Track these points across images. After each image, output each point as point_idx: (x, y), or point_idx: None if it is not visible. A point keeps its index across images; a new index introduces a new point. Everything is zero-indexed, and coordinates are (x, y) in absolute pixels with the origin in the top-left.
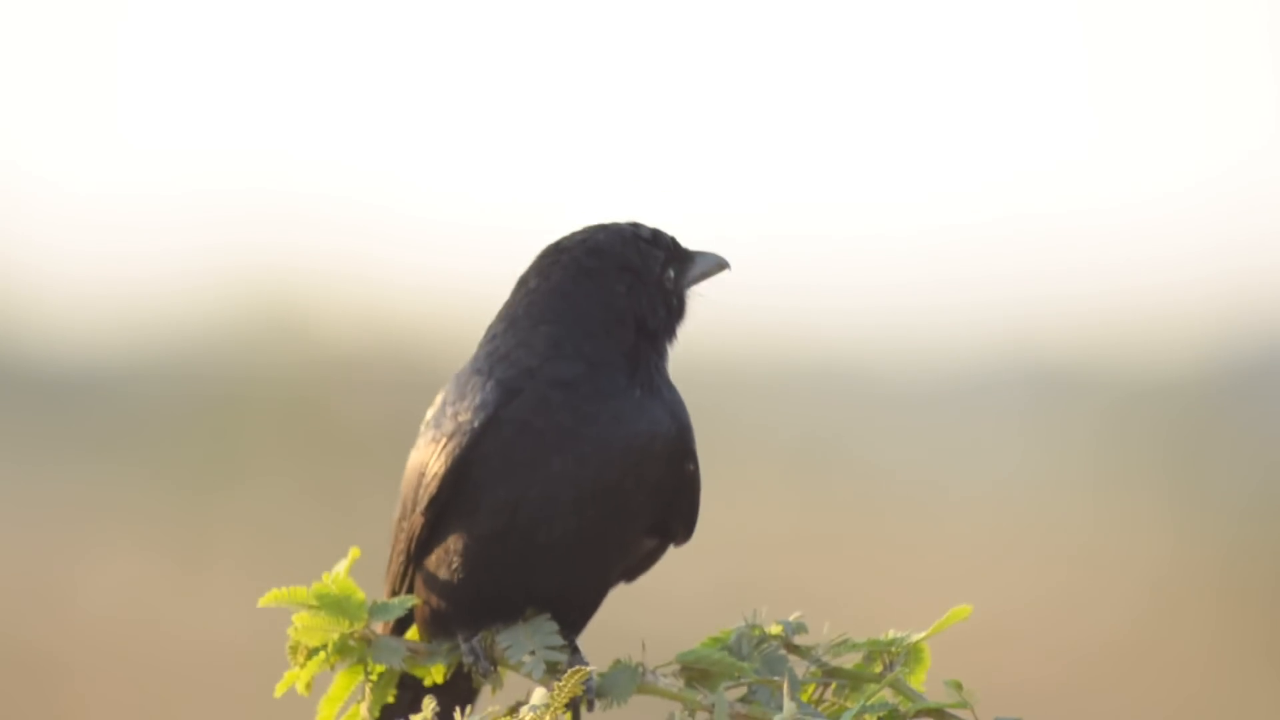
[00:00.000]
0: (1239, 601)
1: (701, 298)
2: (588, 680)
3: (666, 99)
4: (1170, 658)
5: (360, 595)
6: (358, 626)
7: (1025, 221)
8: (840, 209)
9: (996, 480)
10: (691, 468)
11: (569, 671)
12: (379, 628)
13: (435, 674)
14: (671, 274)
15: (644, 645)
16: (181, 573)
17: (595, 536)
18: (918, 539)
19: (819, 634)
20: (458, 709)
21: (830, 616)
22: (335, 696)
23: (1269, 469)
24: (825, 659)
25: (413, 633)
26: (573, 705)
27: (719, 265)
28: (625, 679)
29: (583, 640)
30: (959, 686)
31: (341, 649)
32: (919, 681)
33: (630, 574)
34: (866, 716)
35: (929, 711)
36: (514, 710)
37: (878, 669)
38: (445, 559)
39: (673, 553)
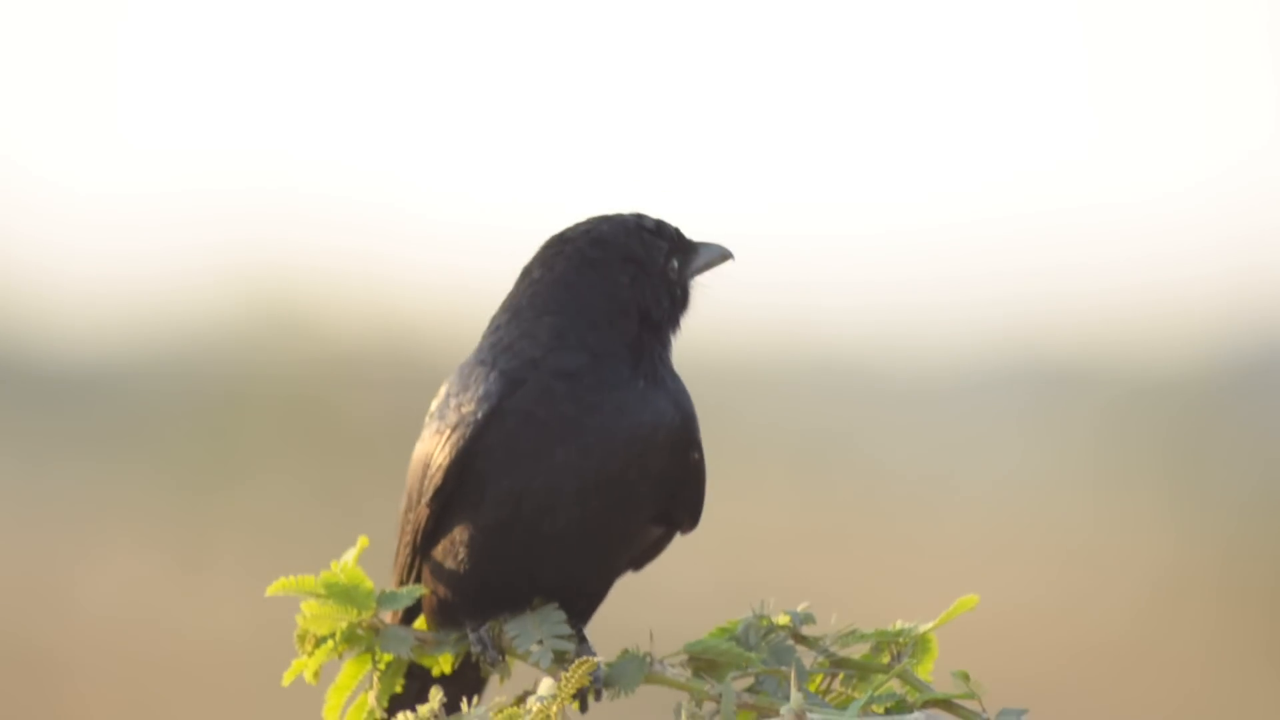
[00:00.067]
0: (1239, 600)
1: (705, 289)
2: (596, 670)
3: (669, 97)
4: (1171, 656)
5: (368, 584)
6: (366, 615)
7: (1027, 220)
8: (843, 207)
9: (998, 478)
10: (696, 457)
11: (576, 662)
12: (388, 617)
13: (443, 663)
14: (675, 265)
15: (651, 635)
16: (183, 571)
17: (600, 526)
18: (920, 536)
19: (826, 625)
20: (465, 699)
21: (833, 613)
22: (343, 685)
23: (1269, 467)
24: (833, 649)
25: (420, 622)
26: (580, 695)
27: (722, 256)
28: (633, 669)
29: (589, 634)
30: (966, 677)
31: (349, 638)
32: (926, 672)
33: (637, 563)
34: (874, 707)
35: (936, 702)
36: (521, 700)
37: (885, 659)
38: (451, 550)
39: (676, 550)
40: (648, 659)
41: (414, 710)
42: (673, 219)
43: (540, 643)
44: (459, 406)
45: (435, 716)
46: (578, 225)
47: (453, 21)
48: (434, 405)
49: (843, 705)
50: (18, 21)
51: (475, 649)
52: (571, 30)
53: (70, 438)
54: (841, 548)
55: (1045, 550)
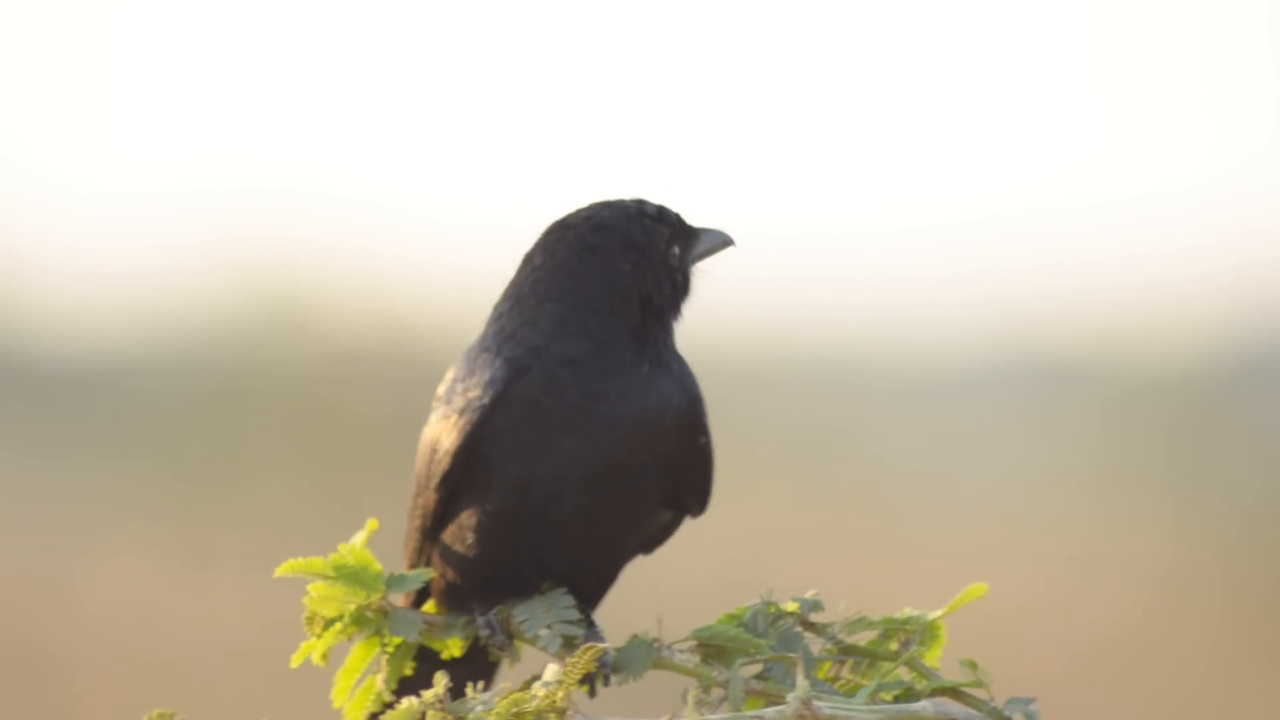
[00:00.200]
0: (1241, 599)
1: (707, 275)
2: (604, 655)
3: (670, 95)
4: (1172, 656)
5: (377, 566)
6: (374, 598)
7: (1028, 217)
8: (843, 203)
9: (999, 475)
10: (703, 441)
11: (582, 648)
12: (399, 600)
13: (453, 647)
14: (676, 251)
15: (660, 621)
16: (185, 569)
17: (608, 512)
18: (920, 534)
19: (835, 613)
20: (471, 684)
21: (841, 601)
22: (352, 668)
23: (1271, 465)
24: (841, 636)
25: (430, 606)
26: (588, 680)
27: (724, 242)
28: (641, 654)
29: (597, 619)
30: (974, 665)
31: (358, 620)
32: (935, 660)
33: (647, 546)
34: (882, 694)
35: (944, 690)
36: (528, 685)
37: (893, 647)
38: (460, 534)
39: (676, 548)
40: (656, 644)
41: (419, 695)
42: (674, 206)
43: (549, 627)
44: (465, 391)
45: (440, 701)
46: (579, 211)
47: (453, 19)
48: (441, 390)
49: (851, 692)
50: (19, 21)
51: (483, 633)
52: (571, 26)
53: (72, 436)
54: (842, 546)
55: (1046, 549)
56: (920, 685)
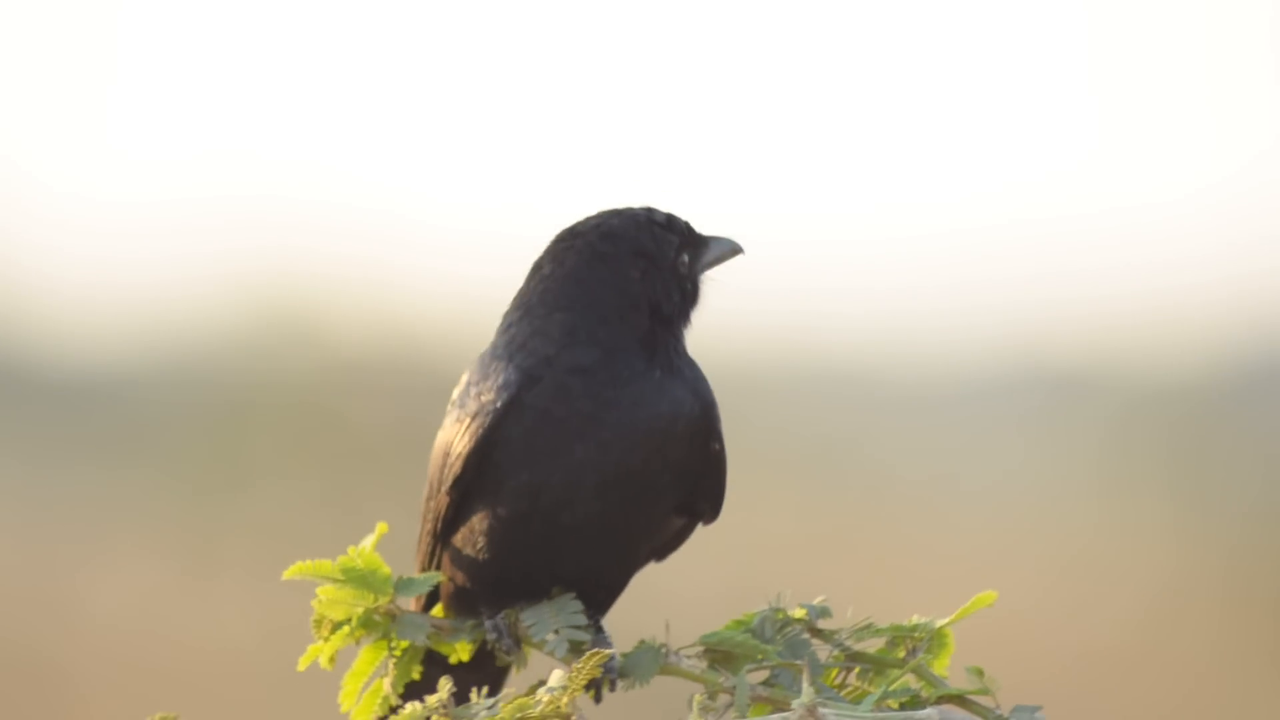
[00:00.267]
0: (1243, 605)
1: (716, 283)
2: (610, 660)
3: (677, 106)
4: (1174, 662)
5: (386, 570)
6: (383, 601)
7: (1032, 226)
8: (847, 214)
9: (1003, 483)
10: (716, 447)
11: (587, 654)
12: (410, 604)
13: (460, 651)
14: (685, 259)
15: (667, 626)
16: (189, 579)
17: (620, 519)
18: (925, 542)
19: (842, 619)
20: (475, 689)
21: (849, 608)
22: (359, 671)
23: (1273, 472)
24: (848, 643)
25: (439, 610)
26: (595, 685)
27: (733, 250)
28: (648, 660)
29: (606, 626)
30: (980, 673)
31: (366, 623)
32: (942, 667)
33: (660, 553)
34: (889, 701)
35: (950, 697)
36: (533, 691)
37: (901, 654)
38: (471, 538)
39: (684, 556)
40: (663, 650)
41: (424, 700)
42: (682, 214)
43: (556, 632)
44: (479, 395)
45: (444, 706)
46: (588, 219)
47: (460, 28)
48: (455, 393)
49: (858, 699)
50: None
51: (490, 637)
52: (576, 36)
53: (77, 445)
54: (848, 553)
55: (1049, 555)
56: (927, 692)
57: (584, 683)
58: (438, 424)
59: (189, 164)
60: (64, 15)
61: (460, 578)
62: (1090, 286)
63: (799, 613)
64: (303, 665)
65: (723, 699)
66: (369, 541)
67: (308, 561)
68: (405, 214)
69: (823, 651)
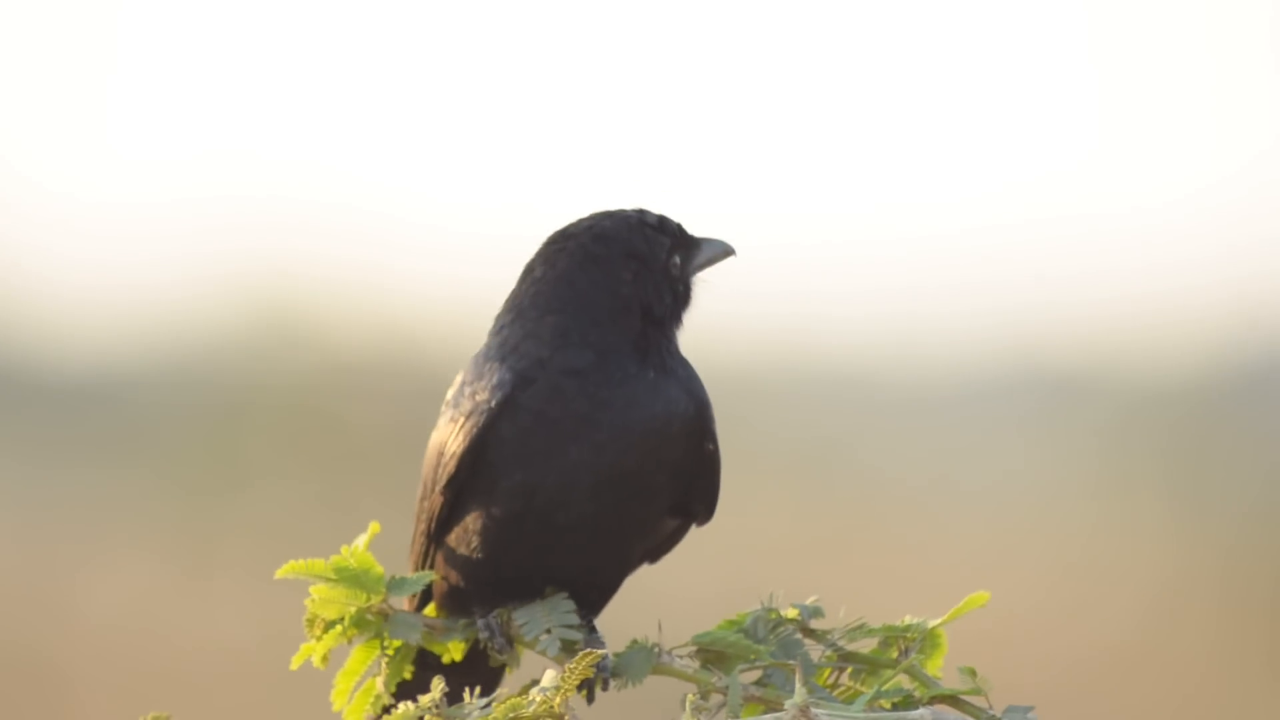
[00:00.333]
0: (1241, 606)
1: (708, 285)
2: (603, 660)
3: (674, 107)
4: (1172, 664)
5: (379, 569)
6: (375, 600)
7: (1028, 228)
8: (843, 215)
9: (1000, 485)
10: (711, 448)
11: (580, 654)
12: (403, 604)
13: (453, 650)
14: (677, 261)
15: (660, 626)
16: (187, 580)
17: (614, 519)
18: (921, 544)
19: (835, 620)
20: (467, 689)
21: (841, 608)
22: (352, 670)
23: (1271, 474)
24: (841, 643)
25: (432, 609)
26: (587, 685)
27: (725, 251)
28: (641, 659)
29: (599, 626)
30: (973, 673)
31: (359, 622)
32: (935, 668)
33: (653, 555)
34: (882, 702)
35: (943, 697)
36: (526, 691)
37: (893, 655)
38: (465, 538)
39: (679, 558)
40: (656, 650)
41: (416, 700)
42: (675, 216)
43: (548, 631)
44: (473, 395)
45: (436, 706)
46: (580, 221)
47: (459, 29)
48: (450, 394)
49: (850, 699)
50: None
51: (483, 636)
52: (573, 38)
53: (74, 445)
54: (843, 555)
55: (1047, 557)
56: (920, 693)
57: (577, 682)
58: (434, 426)
59: (186, 165)
60: (62, 16)
61: (454, 577)
62: (1089, 288)
63: (792, 613)
64: (296, 664)
65: (715, 699)
66: (362, 541)
67: (301, 561)
68: (402, 216)
69: (815, 652)
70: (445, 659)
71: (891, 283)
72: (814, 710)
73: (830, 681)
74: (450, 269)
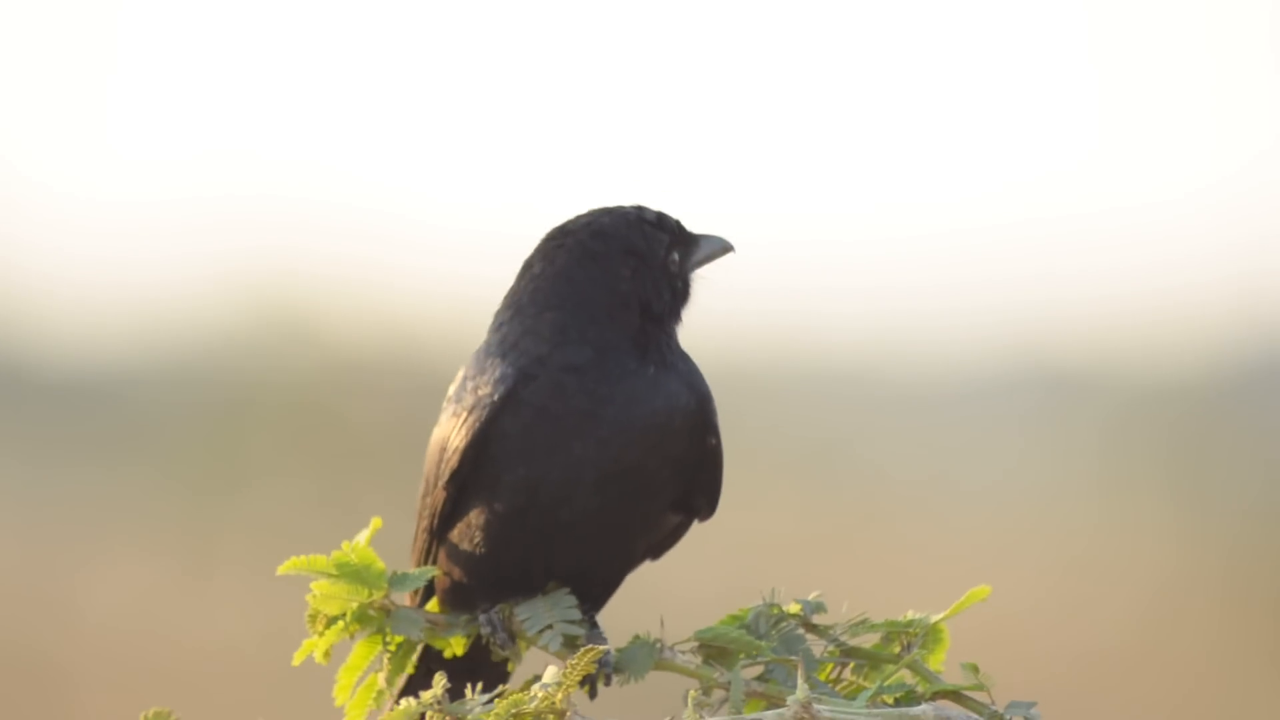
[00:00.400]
0: (1242, 604)
1: (706, 281)
2: (605, 656)
3: (674, 105)
4: (1174, 662)
5: (380, 565)
6: (377, 596)
7: (1031, 226)
8: (845, 213)
9: (1001, 483)
10: (713, 441)
11: (582, 650)
12: (406, 599)
13: (455, 646)
14: (676, 257)
15: (662, 622)
16: (187, 578)
17: (617, 514)
18: (923, 541)
19: (837, 616)
20: (469, 685)
21: (844, 603)
22: (354, 666)
23: (1272, 471)
24: (843, 639)
25: (435, 605)
26: (589, 681)
27: (724, 248)
28: (643, 655)
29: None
30: (976, 669)
31: (360, 618)
32: (938, 663)
33: (656, 550)
34: (884, 697)
35: (945, 693)
36: (528, 686)
37: (896, 650)
38: (467, 533)
39: (681, 556)
40: (658, 645)
41: (418, 695)
42: (674, 213)
43: (550, 627)
44: (475, 390)
45: (439, 702)
46: (579, 218)
47: (459, 28)
48: (451, 389)
49: (853, 695)
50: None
51: (485, 631)
52: (573, 35)
53: (75, 444)
54: (844, 553)
55: (1048, 555)
56: (922, 688)
57: (579, 678)
58: (435, 422)
59: (187, 163)
60: (63, 15)
61: (456, 572)
62: (1089, 286)
63: (794, 608)
64: (298, 660)
65: (717, 694)
66: (363, 536)
67: (302, 557)
68: (403, 214)
69: (818, 647)
70: (447, 654)
71: (893, 280)
72: (816, 706)
73: (833, 677)
74: (450, 267)
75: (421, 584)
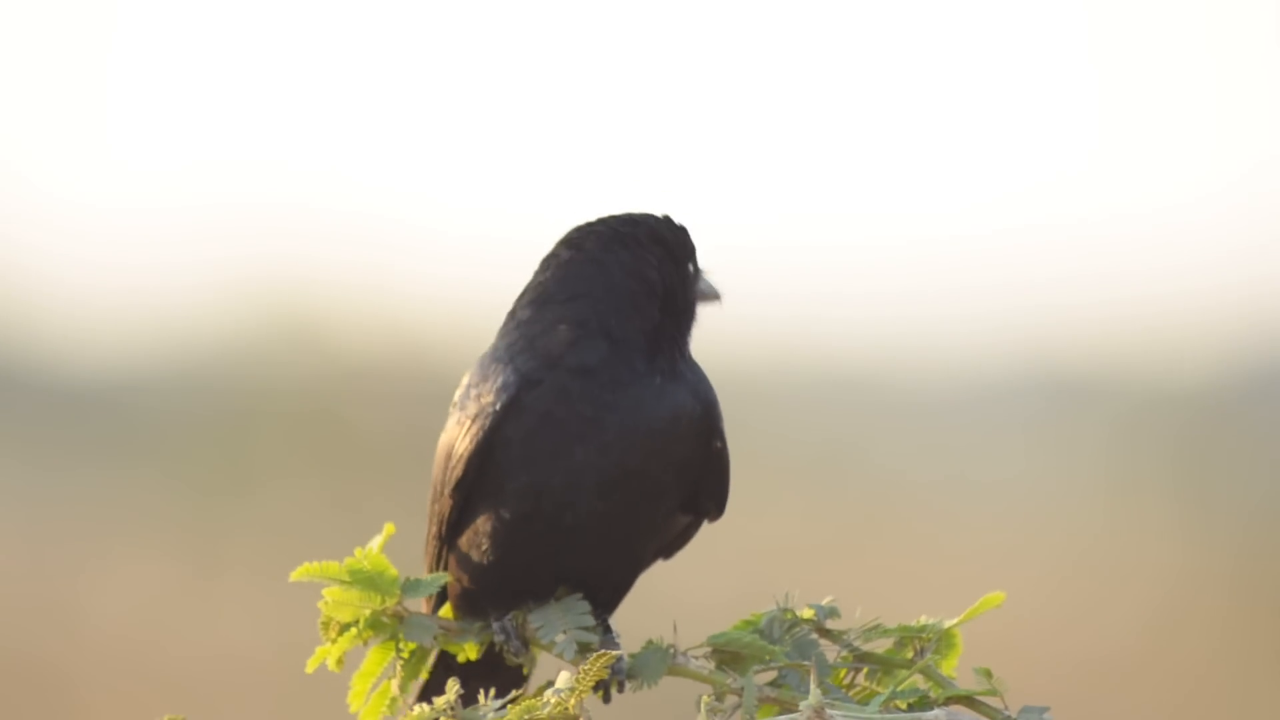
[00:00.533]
0: (1249, 609)
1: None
2: (618, 662)
3: (682, 111)
4: (1181, 664)
5: (393, 571)
6: (390, 602)
7: (1037, 232)
8: (852, 219)
9: (1009, 487)
10: (719, 445)
11: (594, 655)
12: (418, 605)
13: (469, 652)
14: (692, 268)
15: (675, 627)
16: (194, 584)
17: (623, 518)
18: (931, 545)
19: (850, 620)
20: (482, 691)
21: (858, 608)
22: (368, 672)
23: (1278, 476)
24: (857, 644)
25: (447, 611)
26: (603, 686)
27: (714, 295)
28: (656, 660)
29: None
30: (989, 674)
31: (374, 625)
32: (950, 668)
33: (666, 552)
34: (897, 702)
35: (959, 698)
36: (541, 692)
37: (909, 655)
38: (475, 540)
39: (693, 561)
40: (671, 651)
41: (431, 701)
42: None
43: (564, 633)
44: (479, 397)
45: (452, 708)
46: (600, 218)
47: (467, 35)
48: (456, 395)
49: (866, 700)
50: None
51: (499, 639)
52: (580, 43)
53: (84, 450)
54: (855, 557)
55: (1056, 559)
56: (935, 693)
57: (592, 683)
58: (442, 428)
59: (195, 170)
60: (67, 23)
61: (466, 579)
62: (1096, 291)
63: (807, 613)
64: (311, 667)
65: (730, 700)
66: (376, 543)
67: (315, 564)
68: (410, 220)
69: (831, 652)
70: (461, 659)
71: (901, 285)
72: (829, 711)
73: (846, 682)
74: (457, 273)
75: (434, 590)
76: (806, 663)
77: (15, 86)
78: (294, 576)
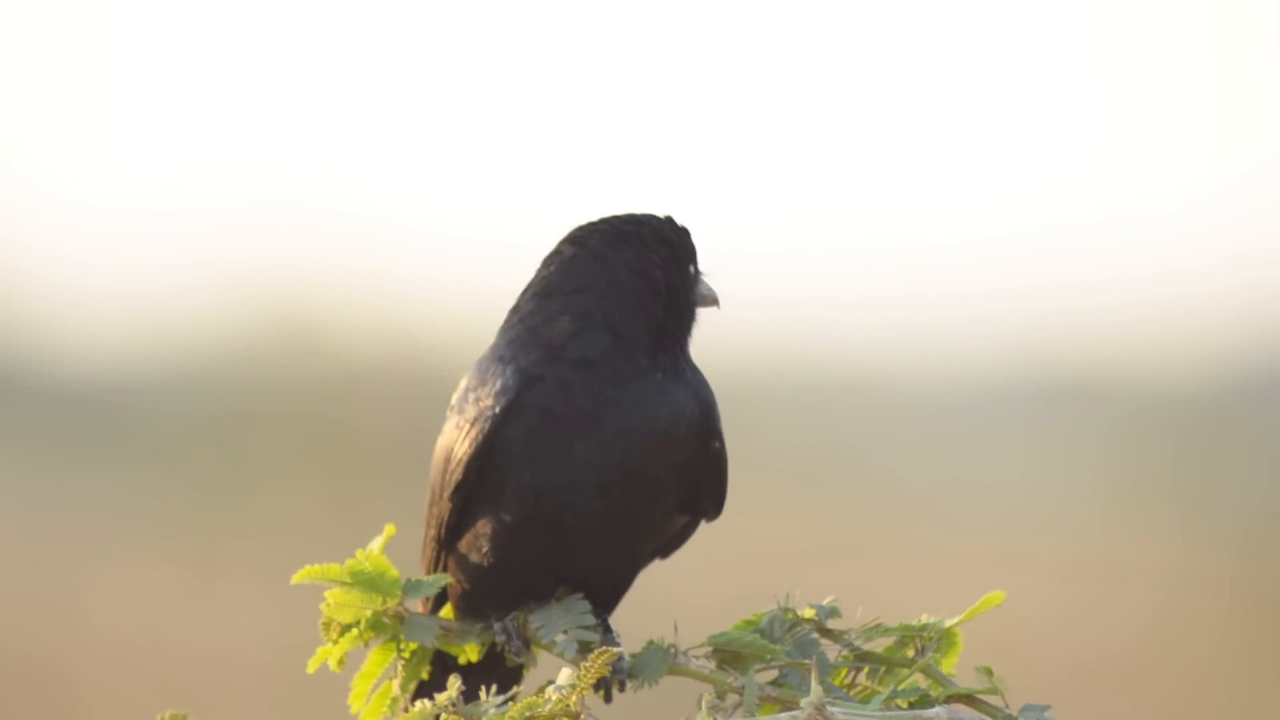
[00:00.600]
0: (1248, 610)
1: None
2: (619, 660)
3: (683, 114)
4: (1180, 666)
5: (394, 572)
6: (391, 603)
7: (1038, 235)
8: (853, 222)
9: (1008, 490)
10: (717, 446)
11: (595, 653)
12: (418, 606)
13: (470, 653)
14: (694, 270)
15: (676, 627)
16: (195, 585)
17: (622, 518)
18: (931, 547)
19: (851, 620)
20: (483, 688)
21: (859, 607)
22: (369, 673)
23: (1278, 477)
24: (858, 643)
25: (448, 611)
26: (604, 685)
27: (713, 299)
28: (657, 660)
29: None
30: (989, 672)
31: (375, 625)
32: (951, 667)
33: (664, 551)
34: (898, 701)
35: (959, 696)
36: (543, 690)
37: (910, 654)
38: (475, 543)
39: (694, 562)
40: (672, 650)
41: (432, 699)
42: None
43: (565, 633)
44: (477, 400)
45: (453, 705)
46: (607, 217)
47: (467, 37)
48: (454, 399)
49: (867, 699)
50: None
51: (500, 639)
52: (580, 44)
53: (84, 452)
54: (855, 559)
55: (1056, 561)
56: (936, 692)
57: (593, 681)
58: (440, 431)
59: (194, 172)
60: (67, 23)
61: (466, 581)
62: (1095, 295)
63: (808, 613)
64: (312, 668)
65: (731, 699)
66: (377, 544)
67: (316, 566)
68: (410, 223)
69: (832, 651)
70: (462, 660)
71: (901, 289)
72: (830, 709)
73: (847, 681)
74: (457, 275)
75: (435, 591)
76: (807, 662)
77: (15, 86)
78: (295, 579)
